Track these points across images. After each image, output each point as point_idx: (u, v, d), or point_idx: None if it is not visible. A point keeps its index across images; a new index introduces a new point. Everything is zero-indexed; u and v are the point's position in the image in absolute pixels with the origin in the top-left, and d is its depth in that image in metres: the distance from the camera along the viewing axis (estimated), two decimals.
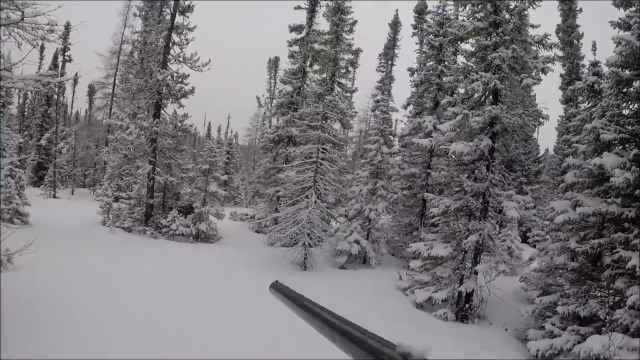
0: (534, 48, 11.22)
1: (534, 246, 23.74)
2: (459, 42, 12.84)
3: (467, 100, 11.78)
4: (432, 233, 12.43)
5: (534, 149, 29.45)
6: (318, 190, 15.11)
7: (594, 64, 10.75)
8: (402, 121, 20.08)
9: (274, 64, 41.38)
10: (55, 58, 34.04)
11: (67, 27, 32.71)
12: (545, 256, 10.21)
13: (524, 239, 23.42)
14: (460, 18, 13.07)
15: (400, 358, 0.50)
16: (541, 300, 9.61)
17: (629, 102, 9.15)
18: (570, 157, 10.57)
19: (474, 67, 11.84)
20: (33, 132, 35.12)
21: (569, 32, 23.98)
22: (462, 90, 12.41)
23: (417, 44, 22.47)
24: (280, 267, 14.52)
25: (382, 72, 27.87)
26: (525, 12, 11.35)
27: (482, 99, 11.56)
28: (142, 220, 18.05)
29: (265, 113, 37.31)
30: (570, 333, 8.28)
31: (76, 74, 37.23)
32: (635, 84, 8.98)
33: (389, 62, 28.78)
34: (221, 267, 13.85)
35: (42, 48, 33.37)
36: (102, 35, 44.71)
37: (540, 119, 11.10)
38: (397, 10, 31.86)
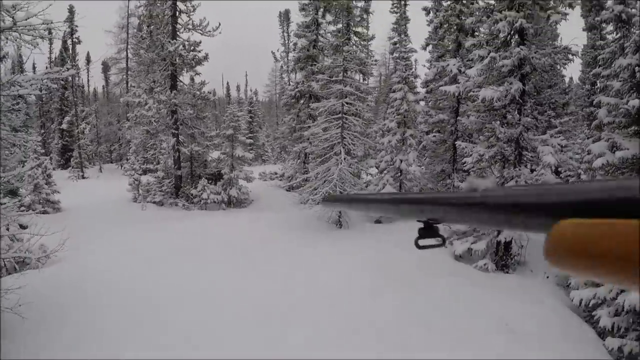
0: None
1: (567, 181, 23.19)
2: None
3: (492, 42, 11.17)
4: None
5: (560, 80, 28.14)
6: (346, 145, 14.80)
7: None
8: (424, 65, 19.15)
9: (285, 17, 39.98)
10: (64, 42, 33.67)
11: (71, 10, 32.31)
12: None
13: (557, 174, 22.82)
14: None
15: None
16: None
17: None
18: (602, 94, 10.00)
19: (496, 5, 11.08)
20: (54, 117, 35.28)
21: None
22: (485, 30, 11.81)
23: None
24: (316, 228, 14.45)
25: (396, 13, 26.50)
26: None
27: (508, 39, 10.88)
28: (172, 192, 18.20)
29: (282, 67, 36.54)
30: None
31: (87, 54, 37.07)
32: None
33: (402, 2, 27.30)
34: (262, 235, 13.69)
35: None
36: (108, 10, 44.07)
37: (570, 56, 10.58)
38: None
